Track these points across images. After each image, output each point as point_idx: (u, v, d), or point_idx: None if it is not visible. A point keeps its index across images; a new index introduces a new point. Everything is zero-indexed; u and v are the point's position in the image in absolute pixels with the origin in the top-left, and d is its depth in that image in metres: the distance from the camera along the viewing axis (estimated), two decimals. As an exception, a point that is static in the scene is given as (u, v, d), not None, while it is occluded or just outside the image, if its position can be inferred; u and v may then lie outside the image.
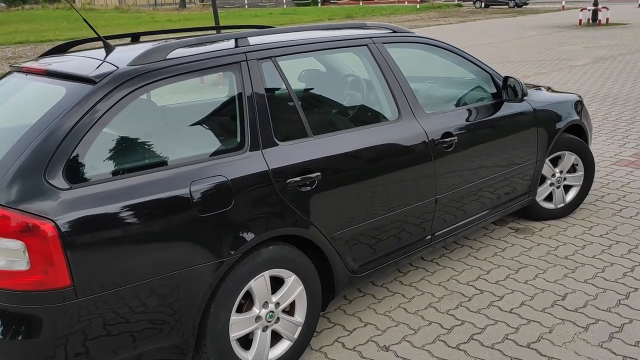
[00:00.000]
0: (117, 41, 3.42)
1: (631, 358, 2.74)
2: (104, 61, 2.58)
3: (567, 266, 3.65)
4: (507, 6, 39.80)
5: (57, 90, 2.46)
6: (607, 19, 21.95)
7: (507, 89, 3.70)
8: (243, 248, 2.49)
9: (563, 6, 34.89)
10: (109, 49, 2.87)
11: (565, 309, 3.18)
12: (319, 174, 2.73)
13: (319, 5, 52.00)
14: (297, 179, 2.66)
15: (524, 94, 3.65)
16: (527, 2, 40.37)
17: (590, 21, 22.04)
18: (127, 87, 2.35)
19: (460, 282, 3.53)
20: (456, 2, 46.74)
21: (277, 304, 2.71)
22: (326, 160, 2.78)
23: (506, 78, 3.70)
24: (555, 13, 31.03)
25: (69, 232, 2.09)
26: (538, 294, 3.35)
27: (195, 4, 60.77)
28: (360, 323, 3.17)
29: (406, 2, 47.53)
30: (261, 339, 2.68)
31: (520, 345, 2.89)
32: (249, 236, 2.50)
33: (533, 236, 4.12)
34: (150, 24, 37.44)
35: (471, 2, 42.80)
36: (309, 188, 2.71)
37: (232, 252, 2.46)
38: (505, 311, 3.20)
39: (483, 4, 40.11)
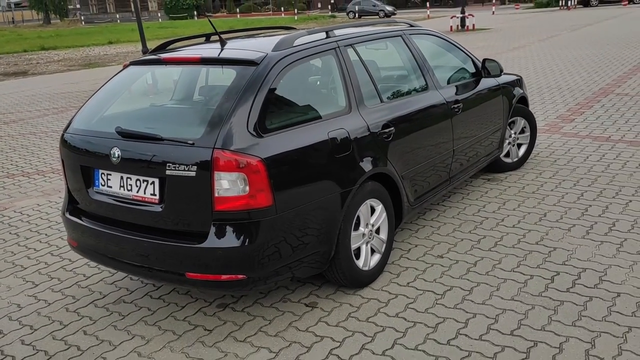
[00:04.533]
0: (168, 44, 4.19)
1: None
2: (247, 49, 3.41)
3: (536, 198, 4.94)
4: (377, 16, 42.75)
5: (222, 71, 3.26)
6: (474, 25, 24.80)
7: (485, 69, 4.94)
8: (359, 181, 3.42)
9: (428, 15, 38.27)
10: (223, 43, 3.66)
11: (549, 220, 4.44)
12: (392, 128, 3.74)
13: (196, 19, 52.15)
14: (382, 131, 3.65)
15: (501, 70, 4.91)
16: (395, 12, 43.74)
17: (460, 27, 24.78)
18: (280, 66, 3.21)
19: (468, 214, 4.68)
20: (330, 13, 49.21)
21: (372, 225, 3.66)
22: (395, 118, 3.79)
23: (484, 60, 4.94)
24: (423, 22, 33.97)
25: (269, 166, 2.93)
26: (526, 215, 4.58)
27: (61, 20, 58.16)
28: (412, 245, 4.20)
29: (283, 15, 49.18)
30: (366, 250, 3.62)
31: (544, 244, 4.08)
32: (361, 172, 3.44)
33: (502, 182, 5.39)
34: (19, 41, 35.68)
35: (344, 13, 45.39)
36: (389, 138, 3.70)
37: (354, 184, 3.39)
38: (510, 226, 4.39)
39: (357, 15, 42.75)
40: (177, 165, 2.94)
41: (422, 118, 4.07)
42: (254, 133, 2.96)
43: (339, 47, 3.65)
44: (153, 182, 3.08)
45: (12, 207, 5.69)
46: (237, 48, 3.55)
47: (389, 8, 44.42)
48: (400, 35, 4.28)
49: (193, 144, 2.93)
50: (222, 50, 3.55)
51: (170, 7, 54.90)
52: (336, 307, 3.44)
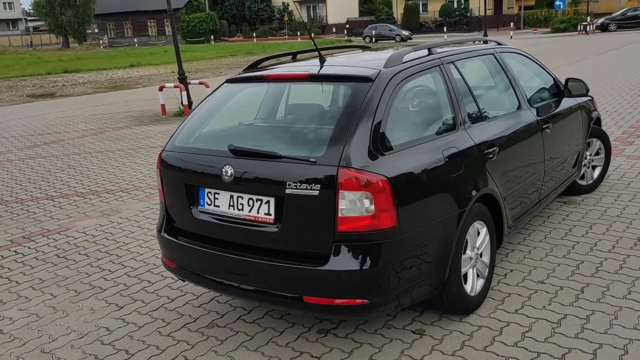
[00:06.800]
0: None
1: None
2: (356, 66, 3.30)
3: (623, 221, 4.77)
4: (394, 40, 43.05)
5: (334, 88, 3.16)
6: (497, 49, 24.76)
7: (567, 88, 4.81)
8: (471, 202, 3.28)
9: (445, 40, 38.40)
10: (323, 60, 3.55)
11: (646, 245, 4.27)
12: (496, 147, 3.60)
13: (212, 42, 52.68)
14: (488, 150, 3.51)
15: (587, 90, 4.78)
16: (411, 37, 44.03)
17: (483, 51, 24.77)
18: (394, 82, 3.09)
19: (556, 238, 4.51)
20: (346, 38, 49.55)
21: (477, 249, 3.51)
22: (498, 137, 3.66)
23: (567, 79, 4.81)
24: (442, 45, 34.06)
25: (394, 185, 2.79)
26: (619, 240, 4.40)
27: (79, 44, 58.94)
28: (506, 270, 4.04)
29: (299, 39, 49.57)
30: (472, 274, 3.46)
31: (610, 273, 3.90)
32: (473, 193, 3.30)
33: (581, 205, 5.22)
34: (40, 64, 36.06)
35: (361, 37, 45.70)
36: (493, 158, 3.56)
37: (467, 205, 3.24)
38: (606, 251, 4.21)
39: (374, 39, 43.03)
40: (298, 184, 2.81)
41: (520, 137, 3.94)
42: (377, 151, 2.84)
43: (442, 64, 3.53)
44: (268, 202, 2.95)
45: (74, 227, 5.58)
46: (341, 65, 3.44)
47: (405, 32, 44.76)
48: (492, 54, 4.17)
49: (315, 162, 2.81)
50: (321, 67, 3.44)
51: (187, 32, 55.51)
52: (446, 335, 3.27)
